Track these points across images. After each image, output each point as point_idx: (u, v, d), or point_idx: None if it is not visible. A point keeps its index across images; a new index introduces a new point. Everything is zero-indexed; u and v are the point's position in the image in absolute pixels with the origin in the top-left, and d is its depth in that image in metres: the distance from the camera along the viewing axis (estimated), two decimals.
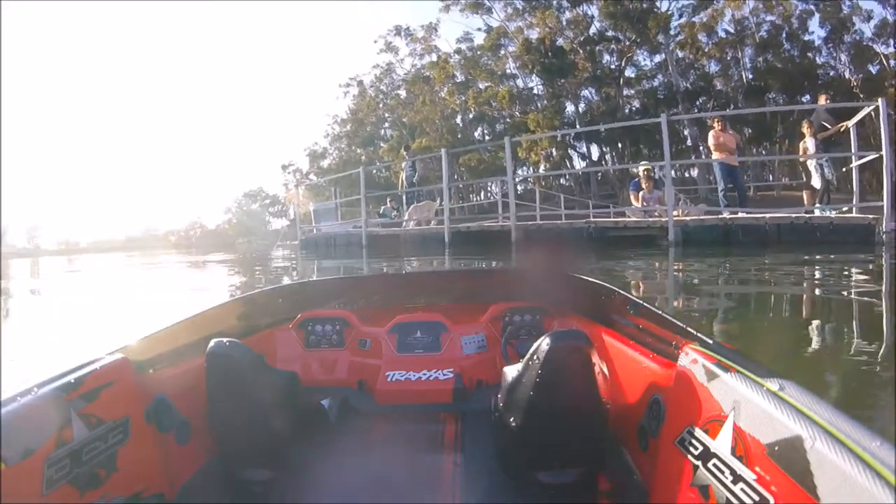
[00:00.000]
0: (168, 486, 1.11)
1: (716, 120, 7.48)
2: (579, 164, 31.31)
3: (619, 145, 29.21)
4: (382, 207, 12.68)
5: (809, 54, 26.46)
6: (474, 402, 1.56)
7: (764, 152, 25.51)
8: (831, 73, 25.98)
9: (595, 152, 31.35)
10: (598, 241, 6.38)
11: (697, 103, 27.51)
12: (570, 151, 30.73)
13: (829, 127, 7.10)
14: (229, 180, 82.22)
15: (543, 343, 1.00)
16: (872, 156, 6.11)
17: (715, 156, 7.30)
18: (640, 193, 7.81)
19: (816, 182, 7.10)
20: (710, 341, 0.96)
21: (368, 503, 1.12)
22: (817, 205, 6.83)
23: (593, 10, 28.97)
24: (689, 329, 1.04)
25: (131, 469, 1.02)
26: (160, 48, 67.84)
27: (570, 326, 1.53)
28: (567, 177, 31.02)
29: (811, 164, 7.17)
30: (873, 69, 25.31)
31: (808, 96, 25.28)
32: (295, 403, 1.28)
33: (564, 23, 29.43)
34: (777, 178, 24.81)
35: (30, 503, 0.83)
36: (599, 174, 29.80)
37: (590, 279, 1.67)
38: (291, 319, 1.88)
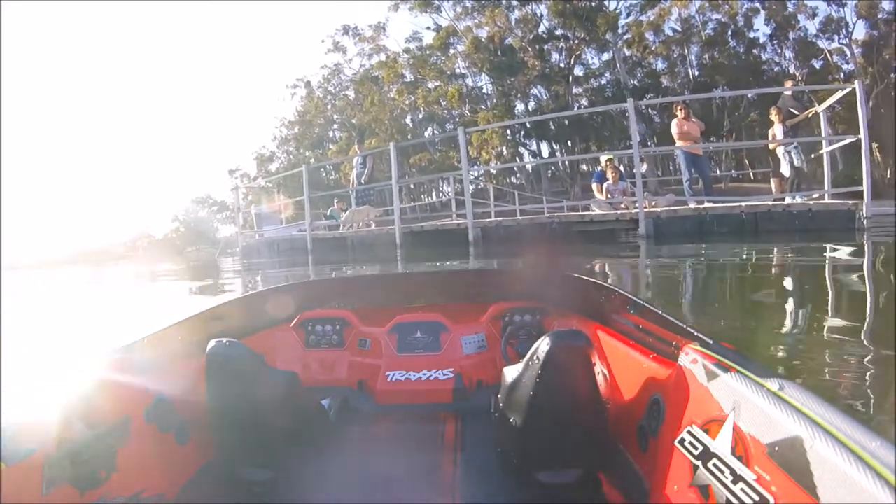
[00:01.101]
0: (168, 486, 1.11)
1: (679, 108, 7.05)
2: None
3: (569, 142, 29.24)
4: (330, 209, 11.76)
5: (755, 51, 27.29)
6: (474, 402, 1.56)
7: (710, 147, 26.10)
8: (776, 69, 26.72)
9: (545, 150, 31.38)
10: (562, 236, 5.84)
11: (645, 98, 27.96)
12: (521, 149, 30.62)
13: (798, 113, 6.84)
14: (176, 187, 77.81)
15: (543, 343, 1.00)
16: (850, 139, 5.77)
17: (679, 145, 6.91)
18: (605, 185, 7.28)
19: (786, 170, 6.80)
20: (710, 341, 0.94)
21: (368, 503, 1.13)
22: (788, 193, 6.51)
23: (542, 9, 29.12)
24: (689, 329, 1.02)
25: (131, 469, 1.02)
26: (101, 50, 63.91)
27: (570, 326, 1.52)
28: (518, 175, 31.16)
29: (780, 151, 6.86)
30: (817, 64, 26.18)
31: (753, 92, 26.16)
32: (295, 403, 1.26)
33: (513, 22, 29.43)
34: (725, 171, 25.31)
35: (30, 503, 0.83)
36: (550, 171, 29.82)
37: (589, 279, 1.63)
38: (291, 319, 1.89)
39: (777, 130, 6.86)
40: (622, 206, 6.67)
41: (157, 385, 1.17)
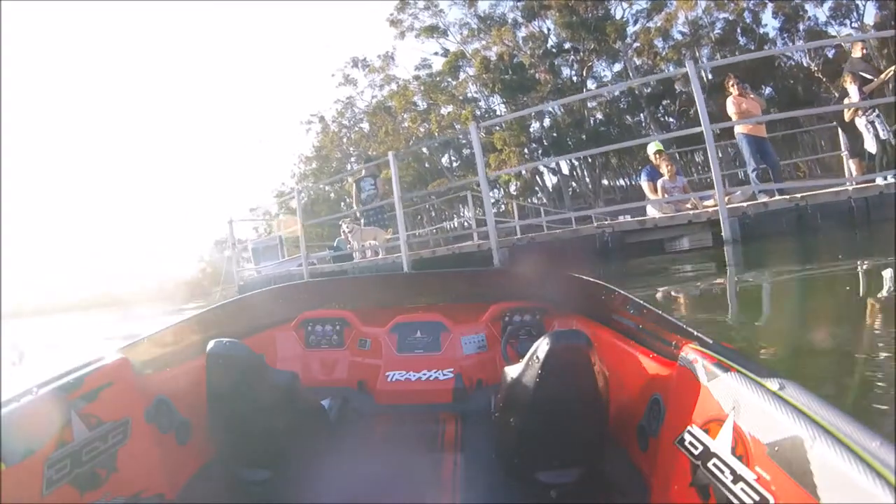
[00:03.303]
0: (168, 486, 1.12)
1: (732, 83, 5.81)
2: (550, 180, 30.77)
3: (588, 158, 28.33)
4: (337, 240, 10.71)
5: (766, 46, 26.16)
6: (474, 402, 1.57)
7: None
8: (789, 63, 25.83)
9: (565, 166, 30.48)
10: (618, 250, 4.63)
11: (661, 105, 27.04)
12: (541, 167, 29.77)
13: (872, 78, 5.59)
14: (202, 228, 79.11)
15: (543, 343, 1.01)
16: None
17: (739, 128, 5.69)
18: (660, 182, 5.87)
19: (870, 145, 5.51)
20: (710, 341, 0.94)
21: (368, 503, 1.13)
22: (878, 173, 5.20)
23: (549, 24, 28.76)
24: (689, 329, 1.01)
25: (131, 469, 1.03)
26: (122, 91, 65.37)
27: (570, 326, 1.54)
28: (539, 195, 30.59)
29: (860, 123, 5.60)
30: (830, 53, 24.90)
31: (769, 88, 25.22)
32: (295, 403, 1.25)
33: (521, 39, 29.14)
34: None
35: (30, 503, 0.83)
36: (571, 189, 29.23)
37: (589, 279, 1.59)
38: (291, 319, 1.90)
39: (853, 96, 5.60)
40: (688, 205, 5.44)
41: (157, 385, 1.20)
